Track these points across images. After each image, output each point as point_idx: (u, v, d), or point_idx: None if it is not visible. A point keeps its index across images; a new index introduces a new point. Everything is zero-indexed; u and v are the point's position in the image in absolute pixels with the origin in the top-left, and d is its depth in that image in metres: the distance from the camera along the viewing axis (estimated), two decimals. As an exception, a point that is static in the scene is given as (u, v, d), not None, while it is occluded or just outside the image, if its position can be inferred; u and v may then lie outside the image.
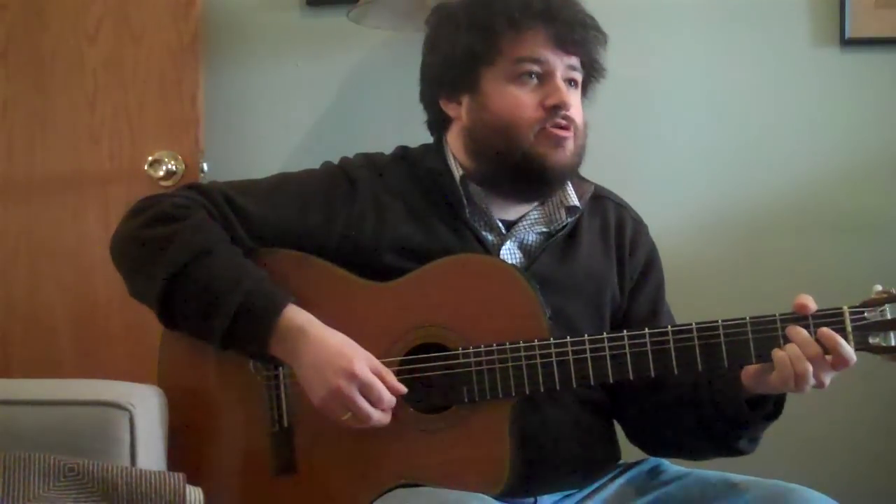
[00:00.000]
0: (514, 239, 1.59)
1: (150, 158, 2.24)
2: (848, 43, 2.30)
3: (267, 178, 1.63)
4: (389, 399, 1.44)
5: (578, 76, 1.58)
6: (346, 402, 1.42)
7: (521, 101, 1.53)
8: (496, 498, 1.43)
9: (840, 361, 1.36)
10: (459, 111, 1.59)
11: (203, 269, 1.47)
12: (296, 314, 1.46)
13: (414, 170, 1.62)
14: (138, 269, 1.52)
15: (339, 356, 1.43)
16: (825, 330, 1.37)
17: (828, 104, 2.32)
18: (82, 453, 1.43)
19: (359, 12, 2.20)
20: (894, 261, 2.25)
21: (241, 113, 2.40)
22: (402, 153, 1.66)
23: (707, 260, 2.29)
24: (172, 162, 2.24)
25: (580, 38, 1.54)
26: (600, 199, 1.67)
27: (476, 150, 1.58)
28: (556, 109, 1.52)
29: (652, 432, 1.61)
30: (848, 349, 1.36)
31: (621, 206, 1.69)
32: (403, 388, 1.45)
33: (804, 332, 1.37)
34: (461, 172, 1.59)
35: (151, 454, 1.51)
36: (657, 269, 1.68)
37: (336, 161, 1.65)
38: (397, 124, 2.27)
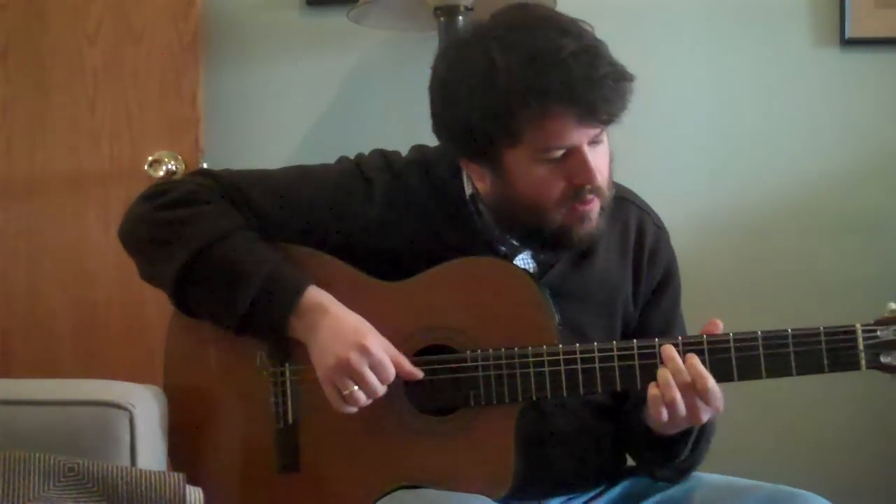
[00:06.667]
0: (527, 251, 1.55)
1: (150, 158, 2.25)
2: (848, 43, 2.30)
3: (282, 172, 1.61)
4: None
5: (603, 135, 1.46)
6: (353, 374, 1.41)
7: (548, 181, 1.44)
8: (499, 500, 1.43)
9: (705, 393, 1.34)
10: (482, 174, 1.50)
11: (225, 249, 1.47)
12: (317, 293, 1.47)
13: (429, 175, 1.56)
14: (155, 248, 1.51)
15: (355, 332, 1.44)
16: (691, 358, 1.36)
17: (828, 104, 2.32)
18: (82, 453, 1.43)
19: (359, 12, 2.20)
20: (894, 260, 2.25)
21: (241, 113, 2.40)
22: (420, 156, 1.60)
23: (706, 260, 2.29)
24: (172, 162, 2.25)
25: (606, 115, 1.41)
26: (622, 202, 1.58)
27: (501, 214, 1.51)
28: (584, 184, 1.44)
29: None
30: (712, 382, 1.35)
31: (644, 212, 1.62)
32: (420, 373, 1.45)
33: (678, 359, 1.36)
34: (471, 191, 1.54)
35: (151, 454, 1.50)
36: (675, 281, 1.63)
37: (352, 156, 1.61)
38: (398, 124, 2.28)
